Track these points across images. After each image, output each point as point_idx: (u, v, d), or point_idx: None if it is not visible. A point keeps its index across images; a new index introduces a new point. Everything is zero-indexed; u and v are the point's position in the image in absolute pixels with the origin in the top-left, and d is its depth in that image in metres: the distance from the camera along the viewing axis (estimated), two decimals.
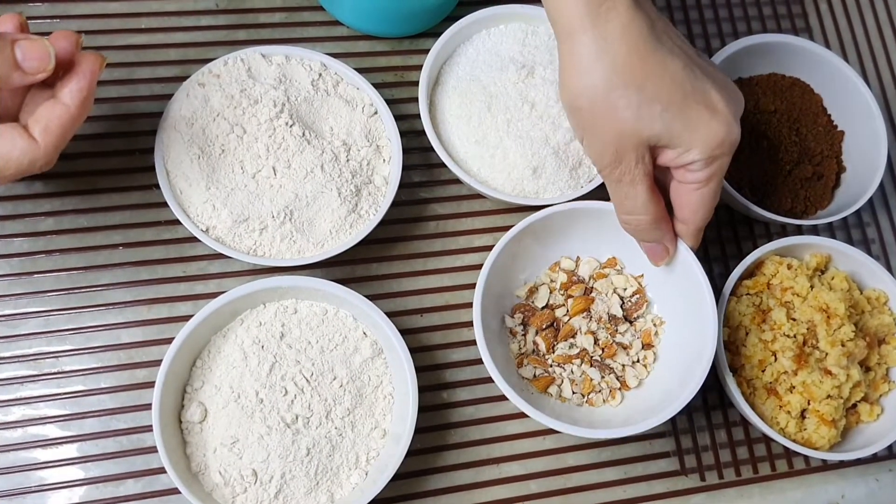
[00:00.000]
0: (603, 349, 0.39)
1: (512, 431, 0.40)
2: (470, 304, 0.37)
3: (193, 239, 0.39)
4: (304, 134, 0.39)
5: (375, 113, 0.41)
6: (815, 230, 0.46)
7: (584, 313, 0.40)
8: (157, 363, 0.35)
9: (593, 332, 0.40)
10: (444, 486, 0.39)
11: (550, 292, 0.40)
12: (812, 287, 0.40)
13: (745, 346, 0.40)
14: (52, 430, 0.37)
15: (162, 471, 0.36)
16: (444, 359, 0.41)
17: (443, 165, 0.41)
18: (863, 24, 0.51)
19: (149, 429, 0.36)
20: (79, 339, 0.38)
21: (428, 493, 0.39)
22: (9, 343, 0.38)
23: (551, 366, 0.39)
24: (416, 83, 0.41)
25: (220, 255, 0.40)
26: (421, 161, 0.44)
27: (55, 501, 0.36)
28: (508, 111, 0.41)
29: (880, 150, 0.44)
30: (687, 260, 0.37)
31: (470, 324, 0.38)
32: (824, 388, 0.38)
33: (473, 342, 0.37)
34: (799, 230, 0.45)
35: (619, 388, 0.39)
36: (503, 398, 0.36)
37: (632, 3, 0.30)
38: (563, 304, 0.40)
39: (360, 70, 0.42)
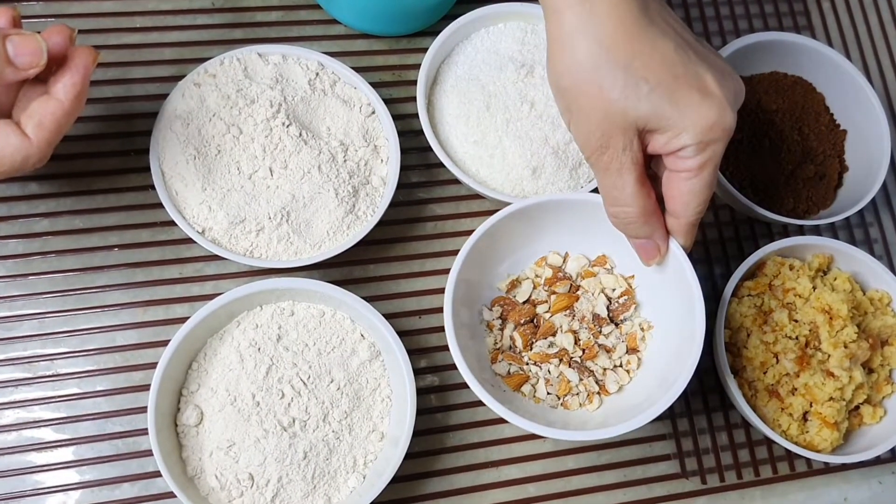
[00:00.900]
0: (584, 350, 0.38)
1: (511, 434, 0.40)
2: None
3: (189, 240, 0.39)
4: (300, 134, 0.38)
5: (373, 113, 0.41)
6: (817, 230, 0.45)
7: (567, 311, 0.38)
8: (153, 366, 0.34)
9: (575, 332, 0.38)
10: (443, 489, 0.38)
11: (534, 287, 0.39)
12: (814, 288, 0.40)
13: (747, 347, 0.39)
14: (47, 434, 0.37)
15: (157, 474, 0.35)
16: (442, 361, 0.40)
17: (441, 165, 0.40)
18: (865, 21, 0.51)
19: (145, 432, 0.36)
20: (74, 341, 0.38)
21: (426, 496, 0.38)
22: (3, 345, 0.37)
23: (527, 363, 0.38)
24: (414, 82, 0.41)
25: (216, 257, 0.39)
26: (419, 161, 0.43)
27: None
28: (507, 111, 0.41)
29: (883, 150, 0.44)
30: (679, 262, 0.35)
31: None
32: (826, 390, 0.38)
33: None
34: (801, 230, 0.45)
35: (598, 393, 0.37)
36: None
37: None
38: (546, 301, 0.38)
39: (357, 69, 0.41)
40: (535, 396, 0.38)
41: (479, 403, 0.40)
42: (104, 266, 0.39)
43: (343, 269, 0.41)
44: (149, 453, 0.36)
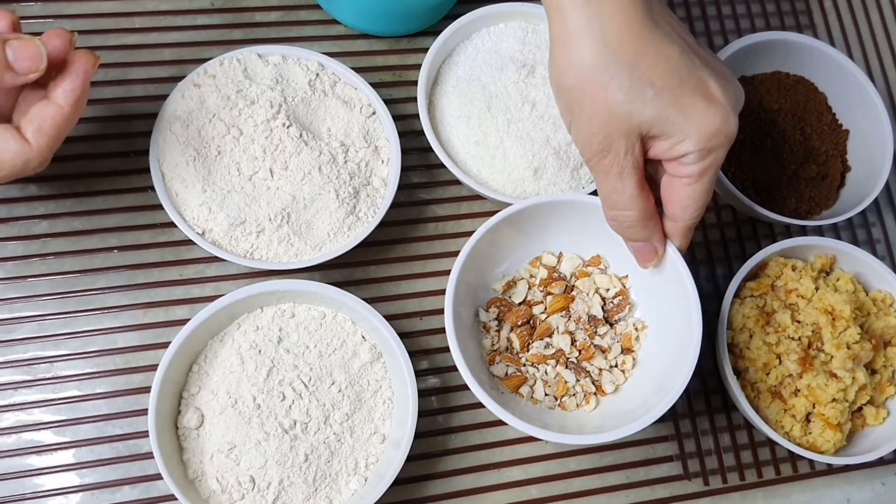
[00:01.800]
0: (580, 351, 0.38)
1: (513, 436, 0.39)
2: None
3: (189, 242, 0.39)
4: (301, 135, 0.38)
5: (374, 113, 0.41)
6: (819, 231, 0.45)
7: (563, 312, 0.38)
8: (154, 368, 0.34)
9: (571, 333, 0.38)
10: (445, 491, 0.38)
11: (529, 288, 0.39)
12: (817, 289, 0.40)
13: (749, 348, 0.39)
14: (46, 436, 0.36)
15: (158, 477, 0.35)
16: (444, 362, 0.40)
17: (442, 166, 0.40)
18: (868, 21, 0.51)
19: (145, 435, 0.36)
20: (74, 343, 0.38)
21: (428, 498, 0.38)
22: (3, 348, 0.37)
23: (524, 365, 0.38)
24: (415, 83, 0.41)
25: (216, 259, 0.39)
26: (420, 162, 0.43)
27: None
28: (509, 111, 0.40)
29: (886, 150, 0.43)
30: (675, 264, 0.35)
31: None
32: (829, 392, 0.38)
33: None
34: (803, 231, 0.45)
35: (595, 393, 0.37)
36: None
37: None
38: (542, 301, 0.38)
39: (357, 70, 0.41)
40: (532, 398, 0.38)
41: (481, 405, 0.39)
42: (104, 268, 0.39)
43: (344, 271, 0.41)
44: (149, 456, 0.36)
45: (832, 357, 0.38)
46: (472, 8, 0.42)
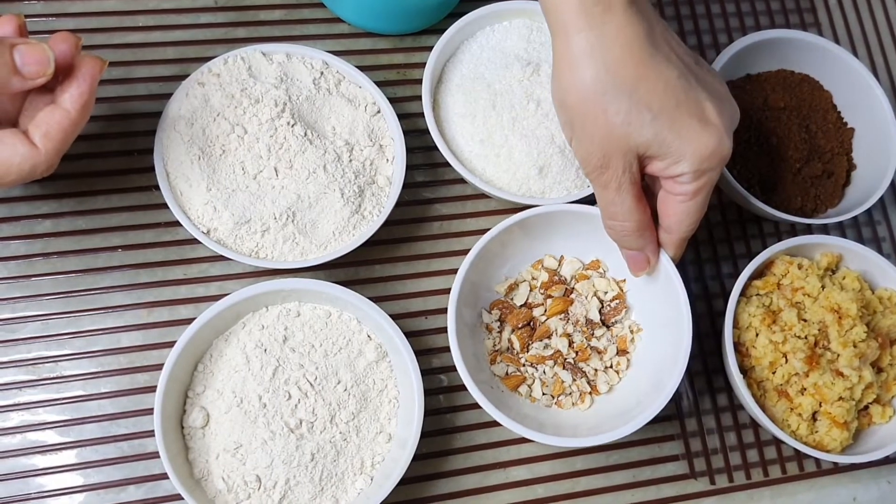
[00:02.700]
0: (577, 352, 0.39)
1: (518, 435, 0.39)
2: None
3: (194, 241, 0.38)
4: (305, 134, 0.38)
5: (378, 112, 0.40)
6: (824, 229, 0.45)
7: (562, 315, 0.39)
8: (158, 367, 0.34)
9: (569, 335, 0.39)
10: (451, 490, 0.38)
11: (531, 290, 0.40)
12: (823, 287, 0.40)
13: (756, 347, 0.39)
14: (51, 436, 0.36)
15: (164, 477, 0.35)
16: (449, 361, 0.40)
17: (447, 165, 0.40)
18: (872, 18, 0.51)
19: (150, 434, 0.36)
20: (78, 343, 0.38)
21: (434, 497, 0.38)
22: (7, 347, 0.37)
23: (524, 365, 0.39)
24: (419, 81, 0.41)
25: (221, 258, 0.39)
26: (424, 161, 0.43)
27: None
28: (514, 109, 0.40)
29: (891, 147, 0.43)
30: (668, 271, 0.36)
31: None
32: (836, 390, 0.38)
33: None
34: (808, 229, 0.44)
35: (590, 393, 0.39)
36: None
37: (629, 5, 0.30)
38: (542, 304, 0.39)
39: (361, 68, 0.41)
40: (530, 396, 0.38)
41: None
42: (108, 267, 0.39)
43: (348, 270, 0.40)
44: (154, 455, 0.36)
45: (839, 355, 0.38)
46: (476, 6, 0.42)
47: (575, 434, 0.35)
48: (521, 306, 0.39)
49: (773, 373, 0.39)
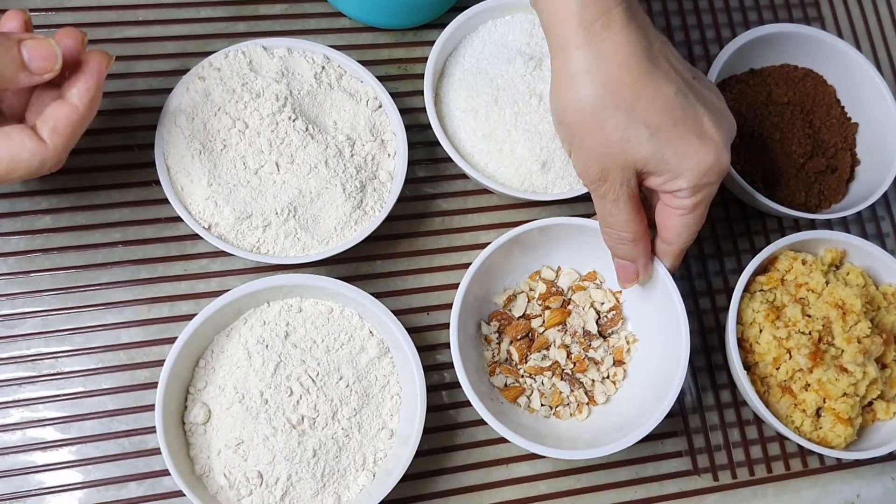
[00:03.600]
0: (575, 363, 0.39)
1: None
2: None
3: (195, 236, 0.38)
4: (307, 128, 0.38)
5: (380, 107, 0.40)
6: (828, 224, 0.45)
7: (560, 326, 0.40)
8: (159, 363, 0.34)
9: (567, 346, 0.39)
10: (453, 487, 0.38)
11: (528, 301, 0.40)
12: (827, 283, 0.40)
13: (759, 343, 0.39)
14: (51, 433, 0.36)
15: (165, 473, 0.35)
16: (451, 358, 0.40)
17: (449, 160, 0.40)
18: (876, 13, 0.50)
19: (151, 430, 0.36)
20: (78, 339, 0.37)
21: (436, 494, 0.38)
22: (6, 344, 0.37)
23: (522, 376, 0.39)
24: (421, 76, 0.40)
25: (222, 253, 0.39)
26: (426, 156, 0.43)
27: None
28: (516, 104, 0.40)
29: (895, 143, 0.43)
30: (665, 284, 0.37)
31: None
32: (840, 386, 0.37)
33: None
34: (812, 224, 0.44)
35: (587, 403, 0.39)
36: None
37: (628, 21, 0.30)
38: (540, 315, 0.40)
39: (363, 63, 0.41)
40: (529, 407, 0.39)
41: None
42: (108, 263, 0.38)
43: (350, 265, 0.40)
44: (155, 452, 0.36)
45: (843, 351, 0.38)
46: (478, 0, 0.41)
47: (574, 446, 0.36)
48: (520, 317, 0.40)
49: (777, 369, 0.39)
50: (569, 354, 0.39)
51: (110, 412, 0.37)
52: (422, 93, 0.40)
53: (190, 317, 0.35)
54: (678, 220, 0.33)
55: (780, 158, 0.43)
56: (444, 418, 0.39)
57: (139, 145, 0.40)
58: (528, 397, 0.39)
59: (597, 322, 0.40)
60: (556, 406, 0.39)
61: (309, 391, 0.35)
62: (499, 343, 0.39)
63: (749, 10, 0.49)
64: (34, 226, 0.38)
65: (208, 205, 0.37)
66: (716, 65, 0.42)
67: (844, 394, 0.38)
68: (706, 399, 0.41)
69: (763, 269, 0.41)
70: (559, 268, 0.41)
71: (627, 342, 0.40)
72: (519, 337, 0.39)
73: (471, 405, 0.39)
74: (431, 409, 0.38)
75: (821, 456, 0.41)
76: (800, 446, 0.39)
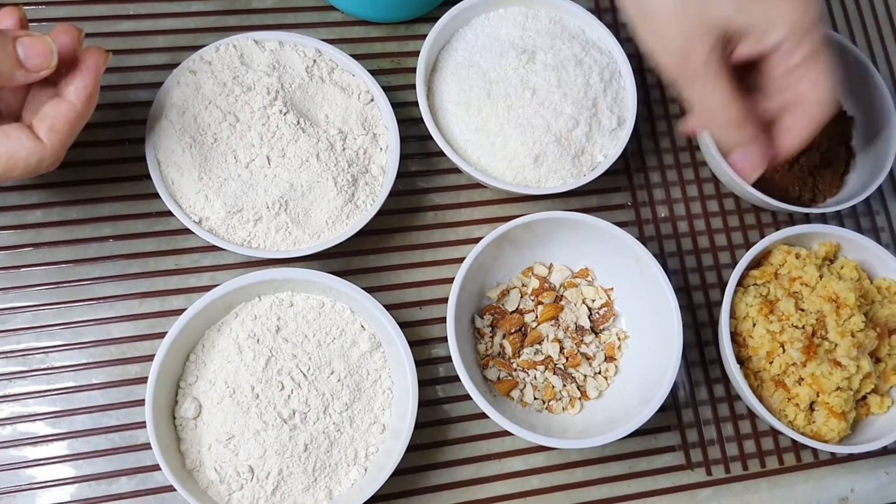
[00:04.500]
0: (567, 358, 0.39)
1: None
2: None
3: (186, 231, 0.38)
4: (298, 122, 0.38)
5: (372, 100, 0.40)
6: (823, 218, 0.45)
7: (553, 321, 0.40)
8: (149, 358, 0.34)
9: (560, 341, 0.39)
10: (445, 481, 0.38)
11: (521, 296, 0.40)
12: (821, 277, 0.39)
13: (753, 337, 0.39)
14: (42, 428, 0.36)
15: (155, 468, 0.35)
16: (444, 352, 0.40)
17: (441, 154, 0.40)
18: (871, 7, 0.50)
19: (141, 425, 0.36)
20: (68, 334, 0.37)
21: (428, 489, 0.38)
22: None
23: (515, 370, 0.39)
24: (414, 69, 0.40)
25: (213, 248, 0.39)
26: (419, 150, 0.42)
27: (46, 500, 0.35)
28: (509, 98, 0.40)
29: (891, 137, 0.43)
30: (659, 282, 0.37)
31: None
32: (834, 380, 0.37)
33: None
34: (807, 219, 0.44)
35: (580, 398, 0.39)
36: None
37: None
38: (533, 310, 0.40)
39: (355, 56, 0.40)
40: (522, 401, 0.39)
41: None
42: (99, 257, 0.38)
43: (342, 260, 0.40)
44: (146, 447, 0.36)
45: (836, 345, 0.38)
46: None
47: (565, 437, 0.36)
48: (513, 312, 0.40)
49: (771, 363, 0.39)
50: (562, 349, 0.39)
51: (101, 407, 0.37)
52: (415, 86, 0.40)
53: (181, 311, 0.35)
54: (806, 79, 0.30)
55: None
56: (437, 413, 0.39)
57: (130, 139, 0.40)
58: (522, 391, 0.39)
59: (589, 318, 0.40)
60: (549, 400, 0.39)
61: (300, 385, 0.35)
62: (492, 337, 0.39)
63: None
64: (25, 220, 0.38)
65: (199, 199, 0.36)
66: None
67: (838, 388, 0.38)
68: (699, 393, 0.41)
69: (757, 264, 0.41)
70: (551, 264, 0.41)
71: (619, 339, 0.40)
72: (512, 331, 0.39)
73: (464, 400, 0.39)
74: (424, 403, 0.38)
75: (814, 450, 0.41)
76: (793, 441, 0.39)
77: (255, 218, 0.37)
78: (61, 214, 0.39)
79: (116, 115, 0.40)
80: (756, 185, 0.42)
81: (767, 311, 0.39)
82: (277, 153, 0.37)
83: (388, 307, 0.36)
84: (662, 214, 0.44)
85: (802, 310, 0.39)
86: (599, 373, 0.39)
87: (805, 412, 0.38)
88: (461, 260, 0.41)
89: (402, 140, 0.39)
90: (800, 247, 0.41)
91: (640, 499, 0.39)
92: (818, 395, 0.38)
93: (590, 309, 0.40)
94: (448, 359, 0.39)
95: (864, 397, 0.40)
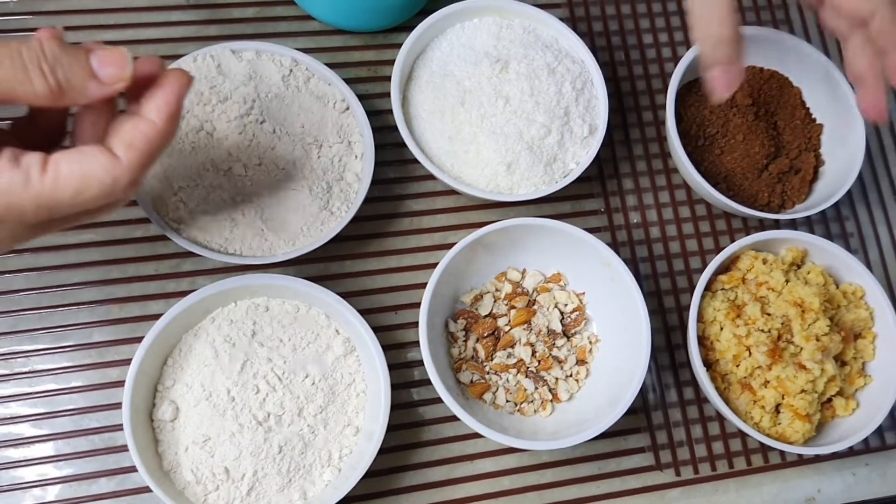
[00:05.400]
0: (539, 361, 0.40)
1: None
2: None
3: (164, 237, 0.39)
4: (274, 131, 0.38)
5: (347, 109, 0.41)
6: (793, 224, 0.46)
7: (525, 325, 0.40)
8: (129, 362, 0.35)
9: (532, 344, 0.40)
10: (418, 482, 0.39)
11: (494, 301, 0.41)
12: (787, 281, 0.40)
13: (720, 341, 0.40)
14: (24, 429, 0.37)
15: (134, 469, 0.36)
16: (419, 356, 0.40)
17: (416, 162, 0.41)
18: None
19: (121, 427, 0.36)
20: (50, 338, 0.38)
21: (401, 489, 0.39)
22: None
23: (488, 373, 0.40)
24: (390, 78, 0.41)
25: (192, 254, 0.39)
26: (395, 157, 0.43)
27: (28, 500, 0.36)
28: (482, 106, 0.41)
29: (858, 143, 0.44)
30: (629, 286, 0.38)
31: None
32: (798, 383, 0.38)
33: None
34: (777, 224, 0.45)
35: (551, 401, 0.40)
36: None
37: None
38: (506, 314, 0.41)
39: (333, 65, 0.41)
40: (494, 403, 0.39)
41: None
42: (80, 263, 0.39)
43: (319, 265, 0.41)
44: (125, 448, 0.36)
45: (801, 349, 0.39)
46: (446, 3, 0.42)
47: (536, 439, 0.37)
48: (486, 316, 0.40)
49: (737, 366, 0.39)
50: (534, 353, 0.40)
51: (81, 409, 0.37)
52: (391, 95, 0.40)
53: (160, 316, 0.35)
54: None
55: (743, 159, 0.44)
56: (412, 415, 0.40)
57: None
58: (494, 394, 0.39)
59: (561, 322, 0.41)
60: (521, 403, 0.40)
61: (275, 389, 0.36)
62: (465, 340, 0.40)
63: None
64: None
65: (176, 206, 0.37)
66: (681, 66, 0.43)
67: (803, 390, 0.38)
68: (669, 396, 0.42)
69: (725, 269, 0.42)
70: (524, 269, 0.42)
71: (590, 342, 0.41)
72: (485, 335, 0.40)
73: (438, 402, 0.40)
74: (399, 406, 0.39)
75: (782, 452, 0.42)
76: (761, 443, 0.40)
77: (232, 225, 0.38)
78: None
79: None
80: (725, 191, 0.43)
81: (734, 315, 0.40)
82: (254, 161, 0.38)
83: (364, 312, 0.37)
84: (635, 220, 0.45)
85: (768, 314, 0.40)
86: (571, 376, 0.40)
87: (770, 414, 0.39)
88: (436, 265, 0.42)
89: (379, 147, 0.40)
90: (767, 252, 0.42)
91: (609, 499, 0.40)
92: (783, 398, 0.39)
93: (562, 313, 0.41)
94: (422, 363, 0.40)
95: (830, 400, 0.40)
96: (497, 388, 0.40)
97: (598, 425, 0.36)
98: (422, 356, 0.36)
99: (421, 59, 0.43)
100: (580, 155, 0.42)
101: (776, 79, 0.46)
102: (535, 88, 0.41)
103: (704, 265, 0.44)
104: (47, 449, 0.37)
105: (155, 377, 0.36)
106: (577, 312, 0.41)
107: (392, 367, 0.36)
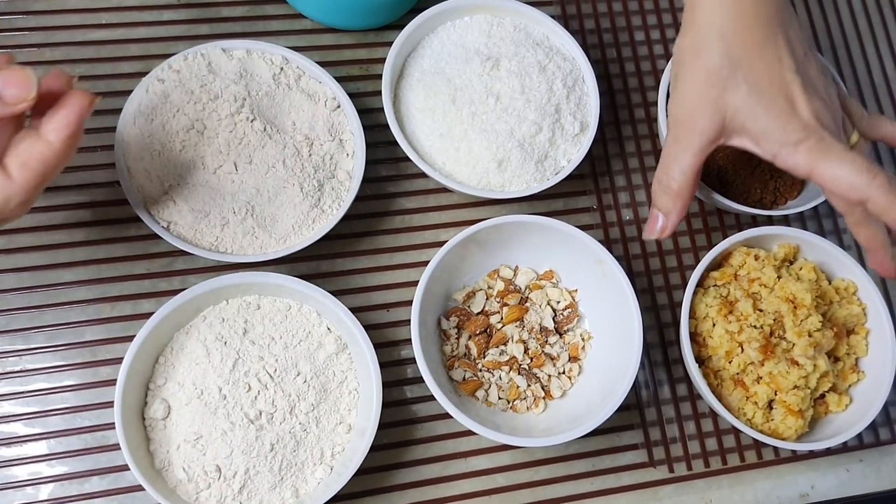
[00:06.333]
0: (532, 358, 0.40)
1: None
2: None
3: (156, 236, 0.39)
4: (265, 129, 0.38)
5: (338, 107, 0.41)
6: (785, 220, 0.46)
7: (518, 322, 0.40)
8: (121, 360, 0.35)
9: (524, 342, 0.40)
10: (411, 480, 0.39)
11: (487, 298, 0.41)
12: (779, 277, 0.40)
13: (712, 337, 0.40)
14: (16, 428, 0.37)
15: (126, 468, 0.36)
16: (409, 354, 0.41)
17: (408, 159, 0.41)
18: (836, 13, 0.51)
19: (113, 426, 0.36)
20: (41, 337, 0.38)
21: (394, 487, 0.39)
22: None
23: (480, 370, 0.40)
24: (382, 76, 0.41)
25: (183, 253, 0.39)
26: (387, 155, 0.43)
27: (21, 498, 0.36)
28: (473, 104, 0.41)
29: (852, 139, 0.44)
30: (621, 283, 0.38)
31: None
32: (791, 379, 0.38)
33: None
34: (770, 220, 0.45)
35: (544, 398, 0.40)
36: None
37: None
38: (498, 312, 0.41)
39: (324, 63, 0.41)
40: (487, 401, 0.39)
41: None
42: (71, 262, 0.39)
43: (311, 264, 0.41)
44: (117, 447, 0.36)
45: (794, 345, 0.39)
46: (437, 1, 0.42)
47: (529, 435, 0.37)
48: (479, 314, 0.40)
49: (730, 362, 0.39)
50: (526, 350, 0.40)
51: (74, 408, 0.37)
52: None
53: (151, 315, 0.35)
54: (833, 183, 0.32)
55: (735, 156, 0.44)
56: (405, 413, 0.40)
57: (102, 146, 0.40)
58: (486, 391, 0.40)
59: (553, 319, 0.41)
60: (514, 400, 0.40)
61: (267, 387, 0.36)
62: (458, 338, 0.40)
63: None
64: None
65: (167, 204, 0.37)
66: (672, 63, 0.43)
67: (795, 386, 0.38)
68: (662, 392, 0.42)
69: (717, 265, 0.42)
70: (517, 267, 0.42)
71: (583, 339, 0.41)
72: (478, 332, 0.40)
73: (430, 400, 0.40)
74: (392, 403, 0.39)
75: (776, 448, 0.42)
76: (754, 439, 0.40)
77: (222, 223, 0.38)
78: (34, 220, 0.39)
79: (89, 123, 0.40)
80: (718, 188, 0.43)
81: (727, 311, 0.40)
82: (244, 159, 0.38)
83: (356, 310, 0.37)
84: (627, 217, 0.45)
85: (761, 310, 0.40)
86: (563, 373, 0.40)
87: (763, 410, 0.39)
88: (428, 263, 0.42)
89: (371, 145, 0.40)
90: (759, 248, 0.42)
91: (603, 496, 0.40)
92: (776, 394, 0.39)
93: (554, 310, 0.41)
94: (413, 360, 0.40)
95: (823, 396, 0.40)
96: (490, 386, 0.40)
97: (590, 422, 0.36)
98: (414, 354, 0.36)
99: (412, 57, 0.43)
100: (571, 152, 0.42)
101: None
102: (525, 86, 0.41)
103: (697, 262, 0.44)
104: (40, 447, 0.37)
105: (147, 375, 0.36)
106: (570, 309, 0.41)
107: (384, 365, 0.36)
